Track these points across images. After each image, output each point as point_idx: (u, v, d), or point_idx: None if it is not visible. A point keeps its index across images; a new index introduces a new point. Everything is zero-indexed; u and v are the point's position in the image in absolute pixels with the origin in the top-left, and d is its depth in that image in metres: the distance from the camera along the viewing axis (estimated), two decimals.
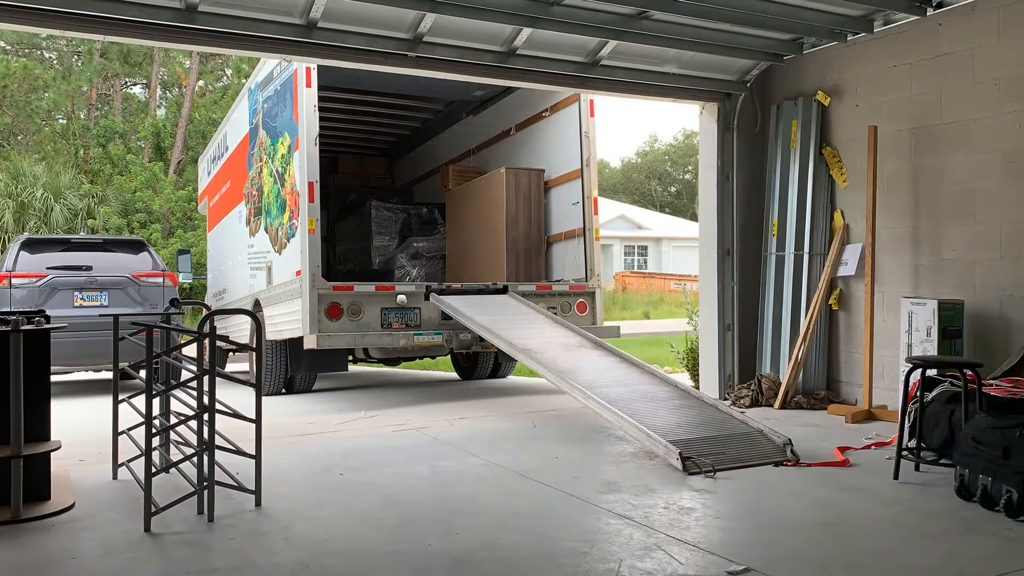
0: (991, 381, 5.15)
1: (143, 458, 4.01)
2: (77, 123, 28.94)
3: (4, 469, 4.09)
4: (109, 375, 9.17)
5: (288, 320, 8.36)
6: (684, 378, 8.91)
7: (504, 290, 8.44)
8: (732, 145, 8.00)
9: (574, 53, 7.12)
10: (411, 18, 6.28)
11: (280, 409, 7.83)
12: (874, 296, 6.89)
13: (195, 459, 4.14)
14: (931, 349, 6.10)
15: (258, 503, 4.26)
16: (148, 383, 4.04)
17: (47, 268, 9.54)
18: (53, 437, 4.49)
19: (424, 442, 6.05)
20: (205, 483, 4.04)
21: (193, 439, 4.25)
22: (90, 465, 5.26)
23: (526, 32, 6.58)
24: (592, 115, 8.92)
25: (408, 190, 13.11)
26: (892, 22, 6.81)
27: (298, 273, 8.10)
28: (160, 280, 10.03)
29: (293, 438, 6.24)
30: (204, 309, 5.15)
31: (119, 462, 4.91)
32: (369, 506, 4.32)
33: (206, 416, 4.05)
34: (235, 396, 4.73)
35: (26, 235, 11.23)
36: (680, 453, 4.92)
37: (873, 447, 5.51)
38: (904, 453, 4.78)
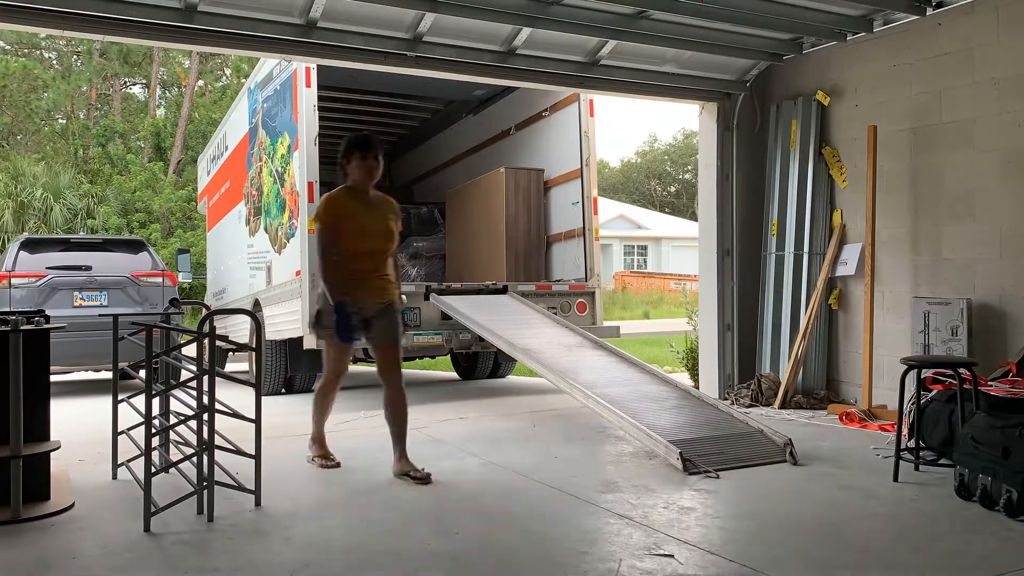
0: (990, 382, 5.16)
1: (143, 458, 4.01)
2: (77, 123, 28.95)
3: (4, 469, 4.09)
4: (109, 375, 9.17)
5: (288, 320, 8.36)
6: (684, 378, 8.91)
7: (504, 290, 8.44)
8: (732, 145, 8.00)
9: (574, 53, 7.12)
10: (411, 18, 6.29)
11: (280, 409, 7.82)
12: (874, 296, 6.89)
13: (195, 459, 4.14)
14: (958, 349, 6.11)
15: (258, 503, 4.26)
16: (148, 383, 4.04)
17: (46, 268, 9.54)
18: (53, 437, 4.49)
19: (424, 442, 6.04)
20: (205, 483, 4.04)
21: (193, 439, 4.25)
22: (90, 465, 5.26)
23: (526, 32, 6.58)
24: (592, 115, 8.92)
25: (408, 190, 13.11)
26: (892, 22, 6.81)
27: (298, 273, 8.10)
28: (160, 280, 10.03)
29: (293, 438, 6.24)
30: (204, 309, 5.15)
31: (119, 462, 4.91)
32: (369, 506, 4.32)
33: (206, 416, 4.05)
34: (235, 396, 4.72)
35: (26, 235, 11.24)
36: (680, 453, 4.92)
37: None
38: (903, 453, 4.78)
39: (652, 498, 4.37)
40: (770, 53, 7.56)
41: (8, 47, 30.16)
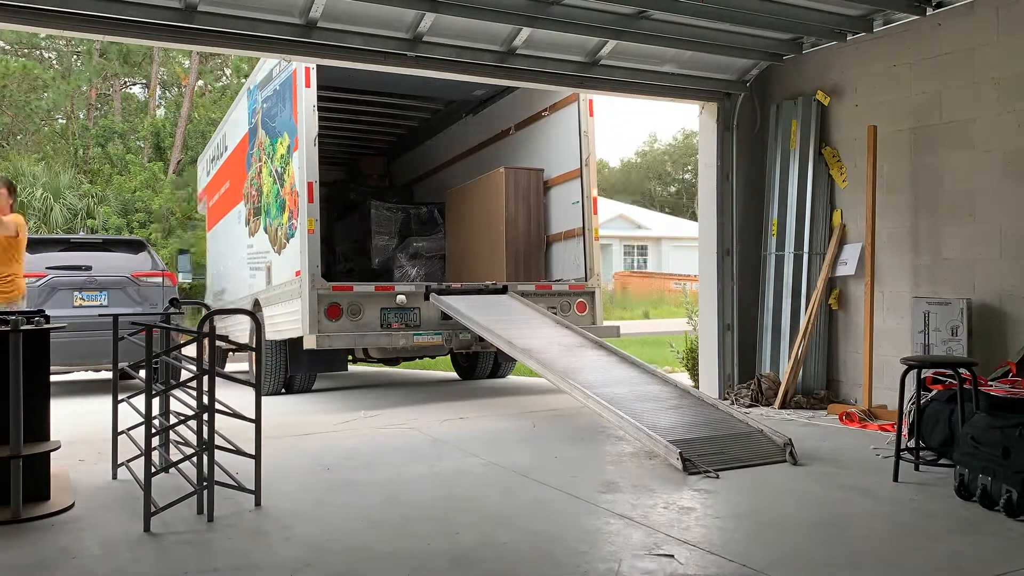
0: (990, 382, 5.16)
1: (143, 458, 4.01)
2: (77, 123, 28.91)
3: (4, 469, 4.09)
4: (109, 375, 9.17)
5: (288, 320, 8.36)
6: (684, 378, 8.91)
7: (504, 290, 8.44)
8: (732, 145, 7.99)
9: (573, 53, 7.11)
10: (410, 18, 6.28)
11: (280, 409, 7.83)
12: (874, 296, 6.89)
13: (195, 459, 4.14)
14: (958, 348, 6.11)
15: (258, 503, 4.26)
16: (148, 383, 4.04)
17: (47, 268, 9.53)
18: (53, 437, 4.49)
19: (424, 442, 6.05)
20: (205, 483, 4.04)
21: (193, 439, 4.25)
22: (90, 465, 5.26)
23: (525, 32, 6.58)
24: (591, 115, 8.92)
25: (408, 190, 13.12)
26: (892, 22, 6.81)
27: (297, 273, 8.10)
28: (160, 280, 10.03)
29: (293, 438, 6.24)
30: (204, 309, 5.15)
31: (119, 462, 4.91)
32: (369, 506, 4.32)
33: (206, 416, 4.05)
34: (235, 396, 4.72)
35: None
36: (680, 453, 4.91)
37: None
38: (903, 453, 4.78)
39: (652, 498, 4.37)
40: (770, 53, 7.56)
41: (8, 47, 30.13)
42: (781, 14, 6.54)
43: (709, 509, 4.21)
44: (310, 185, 8.03)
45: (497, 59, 6.90)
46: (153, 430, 4.09)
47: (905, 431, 4.91)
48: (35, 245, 10.03)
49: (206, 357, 4.09)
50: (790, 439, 5.22)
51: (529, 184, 9.36)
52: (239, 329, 10.39)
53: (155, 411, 4.25)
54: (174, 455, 4.53)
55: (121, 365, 5.15)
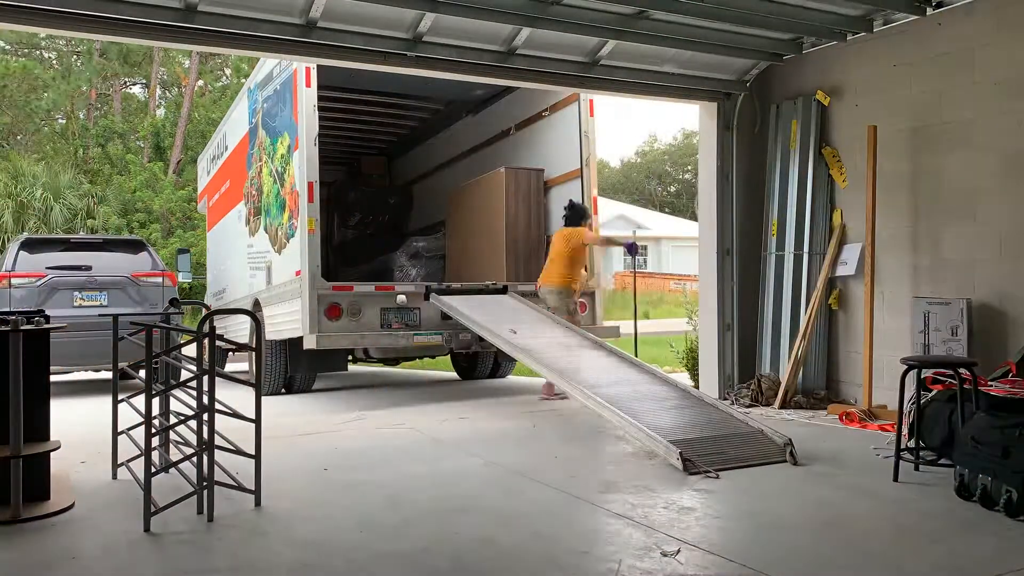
0: (990, 382, 5.15)
1: (143, 458, 4.01)
2: (77, 123, 28.93)
3: (4, 469, 4.09)
4: (109, 375, 9.17)
5: (288, 320, 8.36)
6: (684, 378, 8.90)
7: (504, 290, 8.44)
8: (732, 145, 7.99)
9: (574, 53, 7.11)
10: (410, 18, 6.28)
11: (280, 409, 7.83)
12: (874, 296, 6.88)
13: (195, 459, 4.14)
14: (958, 349, 6.11)
15: (258, 503, 4.26)
16: (148, 383, 4.04)
17: (47, 268, 9.53)
18: (53, 437, 4.49)
19: (424, 442, 6.05)
20: (205, 483, 4.04)
21: (193, 439, 4.25)
22: (90, 465, 5.26)
23: (525, 32, 6.58)
24: (592, 115, 8.92)
25: (408, 190, 13.12)
26: (892, 22, 6.81)
27: (298, 273, 8.10)
28: (160, 280, 10.03)
29: (293, 438, 6.24)
30: (204, 309, 5.15)
31: (119, 462, 4.91)
32: (369, 506, 4.32)
33: (206, 416, 4.05)
34: (235, 396, 4.72)
35: (26, 235, 11.23)
36: (680, 453, 4.92)
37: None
38: (903, 453, 4.78)
39: (652, 498, 4.37)
40: (770, 53, 7.56)
41: (8, 47, 30.13)
42: (781, 14, 6.54)
43: (709, 509, 4.21)
44: (310, 185, 8.04)
45: (497, 59, 6.90)
46: (153, 430, 4.09)
47: (905, 431, 4.91)
48: (35, 245, 10.04)
49: (206, 357, 4.09)
50: (790, 439, 5.22)
51: (529, 184, 9.36)
52: (239, 329, 10.39)
53: (155, 411, 4.25)
54: (174, 455, 4.53)
55: (121, 365, 5.15)
